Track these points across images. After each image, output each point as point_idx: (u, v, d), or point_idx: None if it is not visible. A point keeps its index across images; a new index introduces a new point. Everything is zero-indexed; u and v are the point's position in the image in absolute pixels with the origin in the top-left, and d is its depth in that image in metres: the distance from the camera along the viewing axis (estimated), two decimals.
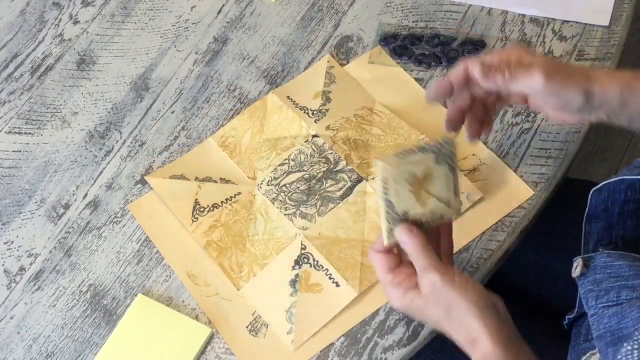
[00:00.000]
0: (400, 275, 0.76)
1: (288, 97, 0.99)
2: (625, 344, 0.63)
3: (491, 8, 1.03)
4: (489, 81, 0.76)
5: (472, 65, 0.76)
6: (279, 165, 0.94)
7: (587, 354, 0.74)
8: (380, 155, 0.86)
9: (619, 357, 0.63)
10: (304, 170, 0.93)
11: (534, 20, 1.02)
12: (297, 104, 0.98)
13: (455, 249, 0.88)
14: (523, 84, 0.74)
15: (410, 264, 0.75)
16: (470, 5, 1.04)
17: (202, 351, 0.85)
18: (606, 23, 1.00)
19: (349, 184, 0.92)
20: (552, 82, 0.73)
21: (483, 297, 0.73)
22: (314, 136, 0.95)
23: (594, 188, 0.78)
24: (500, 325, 0.72)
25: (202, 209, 0.92)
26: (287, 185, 0.93)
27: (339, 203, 0.91)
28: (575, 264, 0.75)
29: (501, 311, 0.73)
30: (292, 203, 0.91)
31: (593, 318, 0.71)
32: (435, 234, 0.78)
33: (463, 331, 0.73)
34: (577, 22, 1.01)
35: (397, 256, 0.77)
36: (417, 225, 0.76)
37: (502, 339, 0.71)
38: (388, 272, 0.76)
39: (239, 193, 0.93)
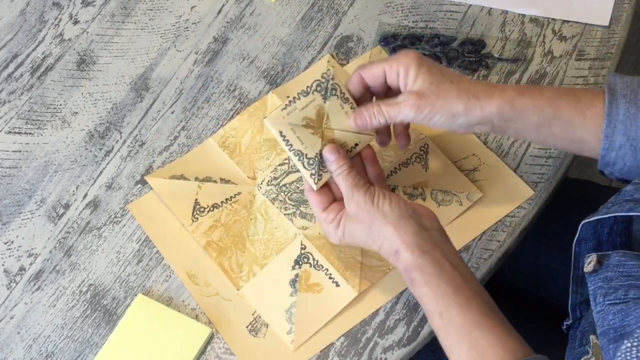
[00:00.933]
0: (333, 212, 0.81)
1: (288, 97, 0.98)
2: (625, 341, 0.64)
3: (491, 8, 1.03)
4: (372, 126, 0.82)
5: (356, 115, 0.82)
6: (279, 165, 0.94)
7: (582, 359, 0.74)
8: (267, 114, 0.88)
9: (619, 354, 0.63)
10: None
11: (534, 20, 1.02)
12: None
13: (457, 247, 0.88)
14: (400, 119, 0.80)
15: (338, 203, 0.82)
16: (470, 5, 1.04)
17: (202, 351, 0.85)
18: (606, 23, 1.00)
19: None
20: (421, 113, 0.79)
21: (399, 208, 0.77)
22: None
23: (585, 221, 0.79)
24: (417, 234, 0.76)
25: (202, 209, 0.92)
26: (287, 185, 0.93)
27: None
28: (588, 260, 0.75)
29: (425, 221, 0.78)
30: (292, 203, 0.91)
31: (599, 315, 0.71)
32: (359, 164, 0.84)
33: (386, 244, 0.77)
34: (577, 22, 1.01)
35: (330, 194, 0.83)
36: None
37: (418, 246, 0.76)
38: (322, 211, 0.82)
39: (239, 193, 0.93)
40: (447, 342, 0.74)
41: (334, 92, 0.82)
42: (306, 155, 0.81)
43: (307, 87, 0.81)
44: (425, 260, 0.75)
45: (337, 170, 0.80)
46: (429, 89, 0.78)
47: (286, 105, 0.81)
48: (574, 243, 0.80)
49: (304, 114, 0.81)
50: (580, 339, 0.79)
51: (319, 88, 0.81)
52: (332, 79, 0.81)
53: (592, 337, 0.74)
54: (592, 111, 0.78)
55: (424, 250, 0.75)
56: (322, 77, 0.81)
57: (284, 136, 0.81)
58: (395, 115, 0.80)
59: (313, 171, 0.81)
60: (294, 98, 0.81)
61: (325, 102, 0.82)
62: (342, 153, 0.81)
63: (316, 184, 0.81)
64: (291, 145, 0.81)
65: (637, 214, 0.73)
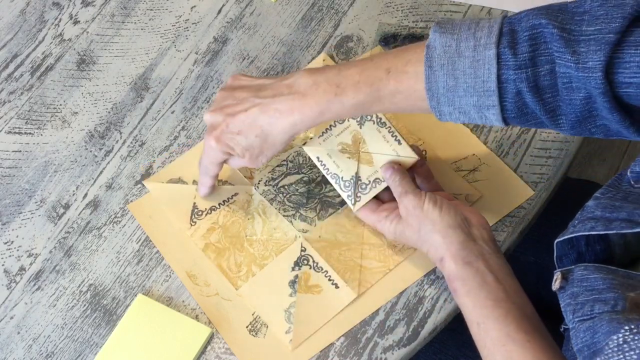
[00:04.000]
0: (385, 211, 0.85)
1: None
2: (597, 359, 0.64)
3: (491, 8, 1.03)
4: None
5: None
6: (276, 167, 0.94)
7: None
8: (305, 140, 0.91)
9: None
10: (302, 173, 0.93)
11: None
12: None
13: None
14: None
15: (393, 202, 0.85)
16: (470, 5, 1.04)
17: (202, 351, 0.85)
18: None
19: None
20: (259, 162, 0.84)
21: (449, 217, 0.79)
22: (311, 138, 0.95)
23: (557, 240, 0.79)
24: (463, 244, 0.77)
25: (200, 213, 0.92)
26: (286, 187, 0.93)
27: (339, 209, 0.91)
28: (555, 277, 0.76)
29: (475, 231, 0.79)
30: (292, 205, 0.91)
31: (572, 332, 0.71)
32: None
33: (432, 250, 0.79)
34: None
35: (378, 201, 0.87)
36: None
37: (462, 257, 0.77)
38: (372, 213, 0.86)
39: (236, 194, 0.93)
40: (484, 352, 0.75)
41: (368, 117, 0.86)
42: (342, 177, 0.86)
43: None
44: (467, 271, 0.76)
45: (389, 180, 0.84)
46: (250, 156, 0.83)
47: (322, 132, 0.87)
48: (554, 259, 0.80)
49: (340, 140, 0.87)
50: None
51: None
52: None
53: None
54: (411, 81, 0.75)
55: (467, 262, 0.76)
56: None
57: (321, 161, 0.87)
58: (238, 166, 0.86)
59: (349, 193, 0.86)
60: (330, 126, 0.87)
61: (360, 127, 0.87)
62: (396, 167, 0.84)
63: (354, 205, 0.86)
64: (328, 169, 0.86)
65: (597, 233, 0.73)
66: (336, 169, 0.86)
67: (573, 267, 0.75)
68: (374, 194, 0.86)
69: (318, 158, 0.87)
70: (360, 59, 0.79)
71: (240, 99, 0.81)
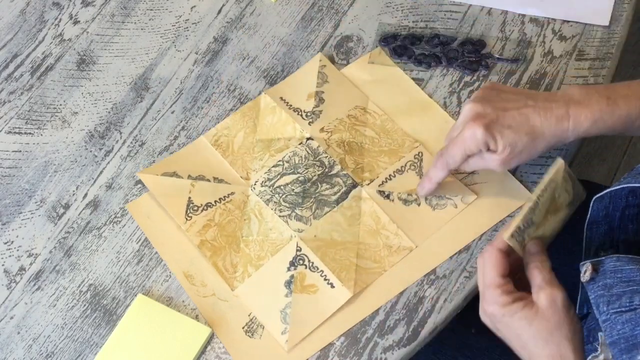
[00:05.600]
0: (511, 284, 0.75)
1: (281, 98, 0.98)
2: (637, 352, 0.63)
3: (491, 8, 1.03)
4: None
5: (441, 172, 0.86)
6: (272, 167, 0.94)
7: (590, 357, 0.74)
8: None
9: None
10: (298, 173, 0.93)
11: (534, 20, 1.02)
12: (291, 105, 0.98)
13: (456, 249, 0.88)
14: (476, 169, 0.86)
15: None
16: (470, 5, 1.04)
17: (202, 351, 0.85)
18: (606, 23, 1.00)
19: (344, 188, 0.92)
20: (509, 165, 0.82)
21: (580, 331, 0.75)
22: (308, 139, 0.95)
23: (597, 196, 0.79)
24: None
25: (195, 208, 0.92)
26: (282, 187, 0.92)
27: (335, 207, 0.91)
28: (584, 269, 0.75)
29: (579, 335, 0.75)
30: (287, 205, 0.91)
31: (605, 324, 0.70)
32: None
33: (557, 357, 0.73)
34: (577, 22, 1.01)
35: (508, 264, 0.76)
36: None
37: None
38: (500, 275, 0.75)
39: (232, 193, 0.93)
40: None
41: (565, 177, 0.81)
42: (531, 219, 0.78)
43: (546, 185, 0.79)
44: None
45: (535, 263, 0.77)
46: (509, 153, 0.80)
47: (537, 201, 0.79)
48: (585, 226, 0.80)
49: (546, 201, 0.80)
50: (588, 337, 0.78)
51: (553, 183, 0.79)
52: (563, 171, 0.80)
53: (600, 334, 0.74)
54: None
55: None
56: (555, 170, 0.79)
57: (533, 208, 0.78)
58: (481, 168, 0.85)
59: (519, 232, 0.77)
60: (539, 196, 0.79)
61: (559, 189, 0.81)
62: (542, 246, 0.79)
63: (510, 238, 0.76)
64: (533, 213, 0.79)
65: None
66: (535, 218, 0.79)
67: (603, 258, 0.74)
68: None
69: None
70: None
71: (509, 98, 0.82)
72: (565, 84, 0.97)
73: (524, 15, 1.03)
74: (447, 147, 0.83)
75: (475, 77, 0.99)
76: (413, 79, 0.99)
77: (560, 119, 0.79)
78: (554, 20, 1.02)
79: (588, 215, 0.79)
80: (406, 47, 1.01)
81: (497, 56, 1.00)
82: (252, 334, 0.85)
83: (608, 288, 0.71)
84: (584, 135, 0.80)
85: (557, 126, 0.79)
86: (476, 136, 0.80)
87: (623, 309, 0.68)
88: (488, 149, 0.81)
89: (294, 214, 0.91)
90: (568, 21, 1.01)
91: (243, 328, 0.86)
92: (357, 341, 0.85)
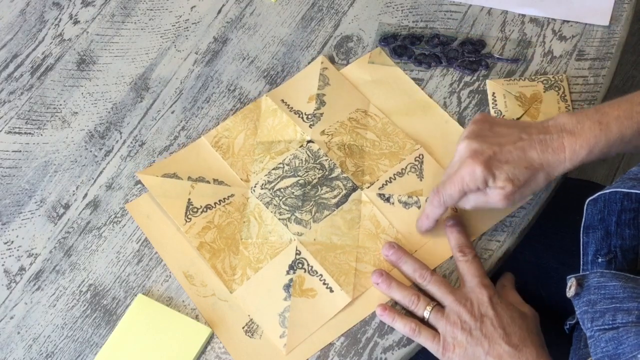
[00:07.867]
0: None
1: (282, 100, 0.98)
2: None
3: (491, 8, 1.03)
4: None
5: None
6: (273, 169, 0.94)
7: (588, 359, 0.74)
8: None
9: None
10: (298, 176, 0.93)
11: (534, 20, 1.02)
12: (292, 107, 0.97)
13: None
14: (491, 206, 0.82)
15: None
16: (470, 5, 1.04)
17: (202, 351, 0.85)
18: (606, 23, 1.00)
19: (344, 191, 0.91)
20: (512, 200, 0.80)
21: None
22: (308, 142, 0.95)
23: (589, 199, 0.79)
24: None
25: (195, 210, 0.91)
26: (282, 190, 0.92)
27: (334, 210, 0.90)
28: (569, 284, 0.75)
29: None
30: (287, 208, 0.91)
31: (590, 341, 0.70)
32: None
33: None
34: (577, 22, 1.01)
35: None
36: None
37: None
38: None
39: (232, 195, 0.93)
40: None
41: None
42: None
43: None
44: None
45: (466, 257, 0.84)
46: (511, 188, 0.79)
47: None
48: (581, 230, 0.80)
49: None
50: (586, 340, 0.79)
51: None
52: None
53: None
54: None
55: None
56: None
57: None
58: (486, 207, 0.82)
59: None
60: None
61: None
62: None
63: None
64: None
65: (637, 192, 0.73)
66: None
67: (587, 273, 0.74)
68: None
69: None
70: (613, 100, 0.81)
71: (503, 133, 0.81)
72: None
73: (524, 15, 1.03)
74: (445, 185, 0.82)
75: (475, 77, 0.99)
76: (413, 79, 0.99)
77: (556, 150, 0.78)
78: (554, 20, 1.02)
79: (583, 220, 0.79)
80: (406, 47, 1.01)
81: (497, 56, 1.00)
82: (252, 334, 0.85)
83: (592, 304, 0.71)
84: (580, 164, 0.79)
85: (554, 158, 0.78)
86: (475, 174, 0.79)
87: (606, 327, 0.68)
88: (486, 186, 0.80)
89: (293, 217, 0.90)
90: (568, 21, 1.02)
91: (243, 328, 0.86)
92: (357, 341, 0.85)
